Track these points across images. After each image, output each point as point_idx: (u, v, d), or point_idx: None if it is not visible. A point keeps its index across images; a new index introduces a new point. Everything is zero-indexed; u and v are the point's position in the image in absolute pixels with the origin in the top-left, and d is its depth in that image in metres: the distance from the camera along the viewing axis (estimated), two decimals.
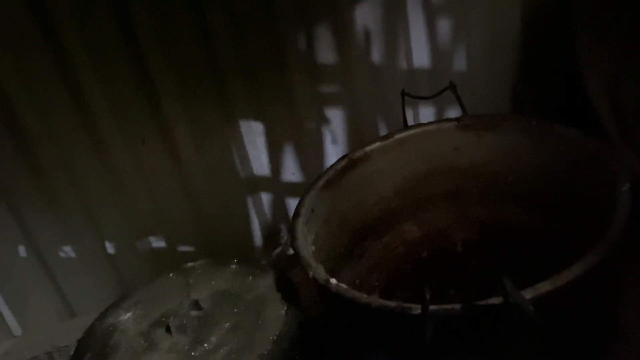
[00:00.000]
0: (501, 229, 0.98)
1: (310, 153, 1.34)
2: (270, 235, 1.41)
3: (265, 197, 1.36)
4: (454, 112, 1.32)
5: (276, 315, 0.80)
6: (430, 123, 0.99)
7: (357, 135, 1.34)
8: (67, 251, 1.28)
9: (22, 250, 1.25)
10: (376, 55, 1.28)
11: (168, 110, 1.21)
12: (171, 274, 0.92)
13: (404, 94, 0.95)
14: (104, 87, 1.15)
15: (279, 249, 1.39)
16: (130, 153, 1.22)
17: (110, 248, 1.30)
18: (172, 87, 1.19)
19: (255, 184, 1.34)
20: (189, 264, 0.94)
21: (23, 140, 1.15)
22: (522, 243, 0.95)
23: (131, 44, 1.13)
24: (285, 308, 0.81)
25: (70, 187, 1.21)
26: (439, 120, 0.99)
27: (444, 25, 1.28)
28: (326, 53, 1.25)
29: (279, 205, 1.38)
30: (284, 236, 1.42)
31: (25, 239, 1.23)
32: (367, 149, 0.96)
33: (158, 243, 1.33)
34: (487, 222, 0.99)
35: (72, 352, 1.18)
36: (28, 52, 1.09)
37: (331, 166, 0.94)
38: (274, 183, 1.35)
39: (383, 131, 1.35)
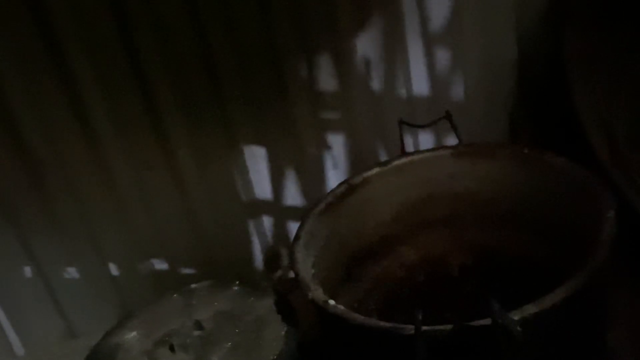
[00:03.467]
0: (495, 254, 1.00)
1: (312, 178, 1.36)
2: (271, 258, 1.42)
3: (267, 221, 1.38)
4: (452, 139, 1.35)
5: (276, 336, 0.82)
6: (426, 150, 1.02)
7: (357, 161, 1.36)
8: (71, 272, 1.29)
9: (27, 271, 1.26)
10: (376, 83, 1.31)
11: (172, 136, 1.23)
12: (174, 295, 0.95)
13: (401, 122, 0.99)
14: (110, 112, 1.18)
15: (279, 272, 1.41)
16: (134, 177, 1.24)
17: (113, 270, 1.31)
18: (176, 112, 1.22)
19: (257, 208, 1.36)
20: (192, 286, 0.96)
21: (29, 163, 1.17)
22: (516, 267, 0.97)
23: (137, 71, 1.16)
24: (285, 329, 0.83)
25: (75, 209, 1.23)
26: (436, 147, 1.02)
27: (442, 55, 1.32)
28: (327, 81, 1.29)
29: (280, 229, 1.40)
30: (285, 260, 1.43)
31: (30, 260, 1.25)
32: (366, 174, 0.98)
33: (160, 265, 1.34)
34: (482, 247, 1.01)
35: None
36: (36, 76, 1.12)
37: (331, 191, 0.97)
38: (275, 207, 1.37)
39: (383, 157, 1.38)
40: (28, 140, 1.16)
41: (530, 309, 0.61)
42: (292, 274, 1.37)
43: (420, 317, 0.60)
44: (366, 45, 1.28)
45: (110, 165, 1.22)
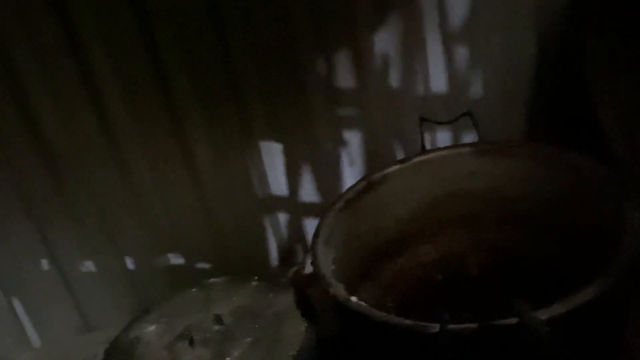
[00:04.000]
0: (515, 253, 0.99)
1: (327, 174, 1.36)
2: (286, 254, 1.43)
3: (282, 217, 1.39)
4: (470, 137, 1.34)
5: (296, 332, 0.82)
6: (447, 148, 1.02)
7: (374, 158, 1.36)
8: (88, 266, 1.30)
9: (44, 264, 1.27)
10: (394, 80, 1.31)
11: (189, 130, 1.24)
12: (193, 289, 0.95)
13: (422, 119, 0.98)
14: (129, 106, 1.19)
15: (294, 268, 1.41)
16: (152, 172, 1.25)
17: (129, 264, 1.32)
18: (194, 107, 1.22)
19: (273, 204, 1.36)
20: (210, 280, 0.96)
21: (48, 157, 1.19)
22: (535, 267, 0.96)
23: (156, 66, 1.17)
24: (305, 325, 0.83)
25: (92, 203, 1.24)
26: (456, 145, 1.02)
27: (461, 52, 1.31)
28: (344, 77, 1.28)
29: (295, 226, 1.40)
30: (300, 256, 1.44)
31: (48, 252, 1.26)
32: (386, 171, 0.98)
33: (176, 260, 1.35)
34: (501, 246, 1.01)
35: None
36: (57, 72, 1.13)
37: (350, 187, 0.97)
38: (290, 203, 1.37)
39: (399, 154, 1.37)
40: (47, 135, 1.17)
41: (558, 309, 0.60)
42: (307, 270, 1.38)
43: (446, 316, 0.60)
44: (384, 42, 1.27)
45: (127, 160, 1.23)
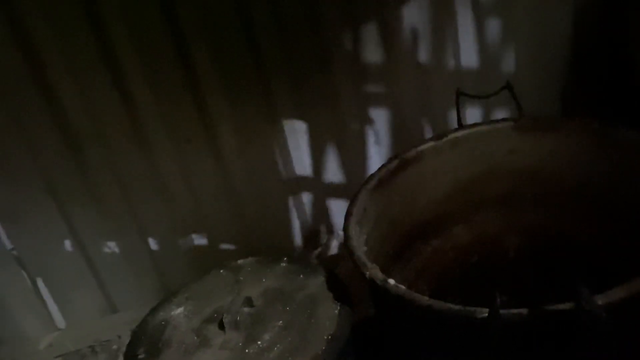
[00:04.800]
0: (555, 236, 0.95)
1: (353, 154, 1.33)
2: (310, 235, 1.40)
3: (306, 198, 1.36)
4: (501, 113, 1.30)
5: (329, 315, 0.79)
6: (485, 123, 0.97)
7: (401, 136, 1.33)
8: (111, 246, 1.29)
9: (67, 245, 1.26)
10: (423, 55, 1.27)
11: (213, 110, 1.22)
12: (221, 271, 0.92)
13: (459, 93, 0.93)
14: (152, 88, 1.17)
15: (318, 250, 1.38)
16: (175, 152, 1.23)
17: (153, 245, 1.31)
18: (217, 87, 1.20)
19: (297, 184, 1.34)
20: (239, 261, 0.93)
21: (72, 138, 1.17)
22: (577, 251, 0.92)
23: (179, 46, 1.15)
24: (339, 308, 0.80)
25: (116, 184, 1.23)
26: (495, 120, 0.96)
27: (494, 25, 1.27)
28: (372, 53, 1.25)
29: (319, 206, 1.38)
30: (324, 237, 1.41)
31: (71, 233, 1.25)
32: (420, 148, 0.93)
33: (199, 241, 1.33)
34: (541, 229, 0.96)
35: (114, 346, 1.21)
36: (81, 54, 1.11)
37: (383, 165, 0.92)
38: (315, 184, 1.35)
39: (428, 132, 1.34)
40: (69, 115, 1.15)
41: (618, 294, 0.56)
42: (331, 251, 1.36)
43: (499, 301, 0.56)
44: (414, 15, 1.23)
45: (150, 140, 1.21)
